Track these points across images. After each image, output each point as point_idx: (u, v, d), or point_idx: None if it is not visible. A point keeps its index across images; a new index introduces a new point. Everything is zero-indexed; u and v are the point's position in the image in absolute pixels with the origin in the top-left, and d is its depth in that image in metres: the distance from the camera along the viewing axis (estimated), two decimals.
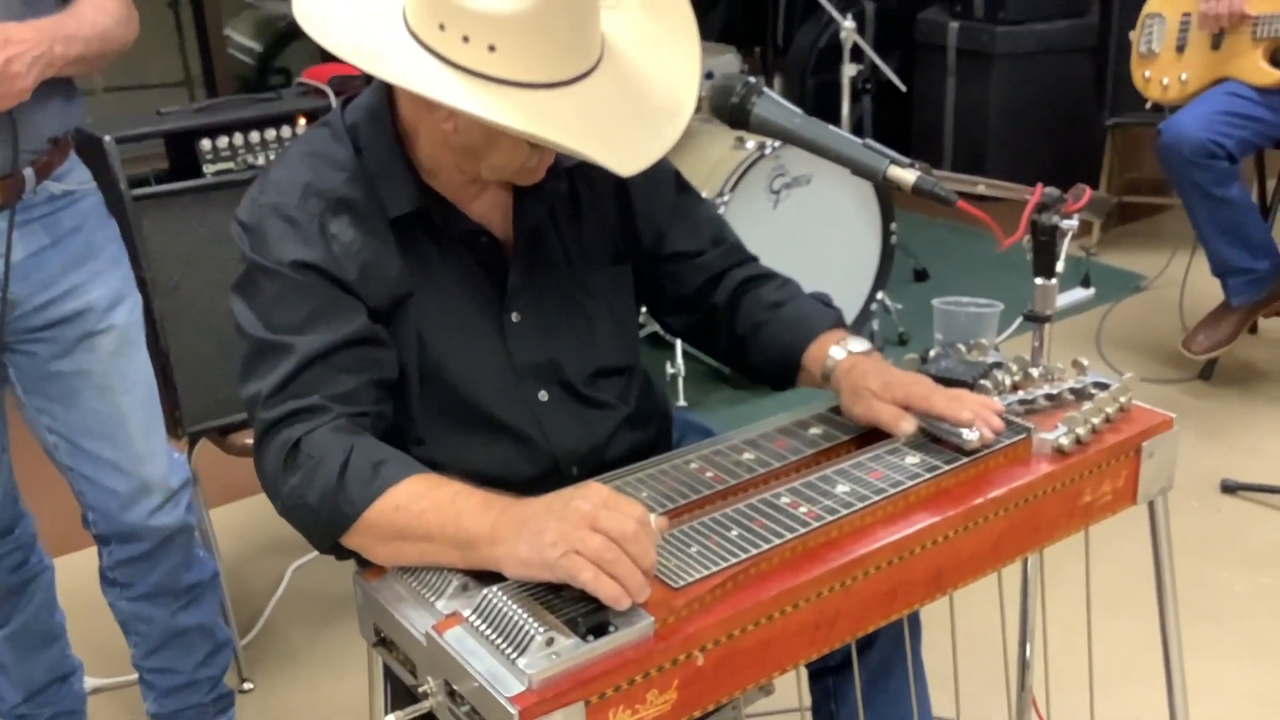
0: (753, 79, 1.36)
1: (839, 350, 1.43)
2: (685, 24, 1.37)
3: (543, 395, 1.45)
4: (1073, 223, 1.40)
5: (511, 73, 1.19)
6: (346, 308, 1.32)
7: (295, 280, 1.30)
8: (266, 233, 1.32)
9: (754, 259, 1.60)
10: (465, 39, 1.19)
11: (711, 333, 1.59)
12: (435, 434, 1.41)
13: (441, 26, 1.20)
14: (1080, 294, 3.89)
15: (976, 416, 1.29)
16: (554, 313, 1.46)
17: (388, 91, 1.37)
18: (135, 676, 2.10)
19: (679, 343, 3.30)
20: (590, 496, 1.09)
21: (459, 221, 1.39)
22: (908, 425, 1.32)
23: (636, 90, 1.30)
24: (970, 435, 1.28)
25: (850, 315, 3.48)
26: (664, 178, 1.54)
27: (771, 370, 1.53)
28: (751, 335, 1.52)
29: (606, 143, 1.23)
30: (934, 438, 1.32)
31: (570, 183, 1.46)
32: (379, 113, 1.37)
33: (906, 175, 1.27)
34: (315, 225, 1.32)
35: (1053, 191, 1.39)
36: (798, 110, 1.37)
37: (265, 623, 2.54)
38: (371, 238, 1.34)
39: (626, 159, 1.25)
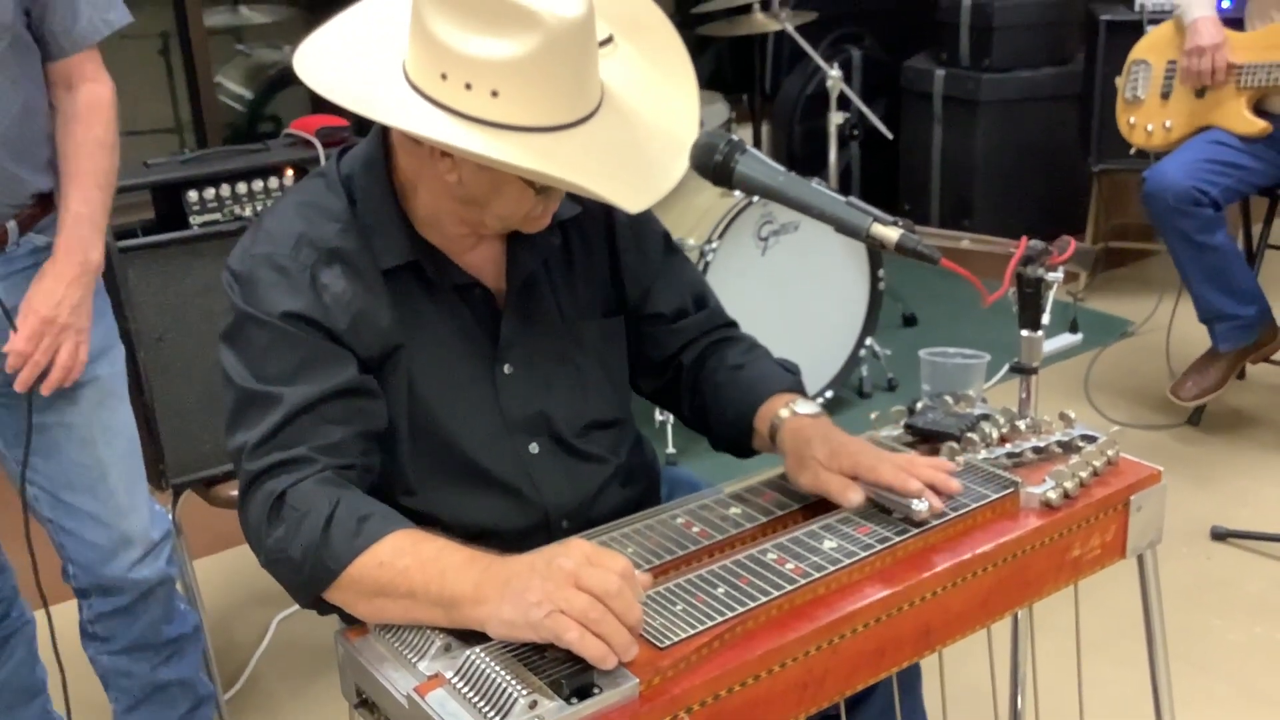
0: (735, 137, 1.36)
1: (786, 410, 1.41)
2: (680, 62, 1.39)
3: (533, 448, 1.44)
4: (1058, 275, 1.40)
5: (515, 117, 1.20)
6: (336, 358, 1.31)
7: (285, 331, 1.30)
8: (258, 282, 1.31)
9: (731, 323, 1.59)
10: (468, 86, 1.20)
11: (676, 395, 1.58)
12: (425, 485, 1.40)
13: (444, 76, 1.21)
14: (1068, 339, 3.90)
15: (928, 484, 1.26)
16: (546, 365, 1.45)
17: (384, 143, 1.37)
18: None
19: None
20: (573, 554, 1.08)
21: (452, 273, 1.39)
22: (855, 496, 1.28)
23: (638, 129, 1.31)
24: (919, 506, 1.24)
25: (839, 362, 3.48)
26: (654, 237, 1.54)
27: (730, 434, 1.51)
28: (712, 397, 1.51)
29: (614, 180, 1.24)
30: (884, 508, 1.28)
31: (564, 236, 1.47)
32: (375, 164, 1.37)
33: (890, 233, 1.27)
34: (306, 276, 1.31)
35: (1037, 244, 1.39)
36: (781, 168, 1.37)
37: (250, 675, 2.50)
38: (363, 289, 1.34)
39: (635, 195, 1.26)
